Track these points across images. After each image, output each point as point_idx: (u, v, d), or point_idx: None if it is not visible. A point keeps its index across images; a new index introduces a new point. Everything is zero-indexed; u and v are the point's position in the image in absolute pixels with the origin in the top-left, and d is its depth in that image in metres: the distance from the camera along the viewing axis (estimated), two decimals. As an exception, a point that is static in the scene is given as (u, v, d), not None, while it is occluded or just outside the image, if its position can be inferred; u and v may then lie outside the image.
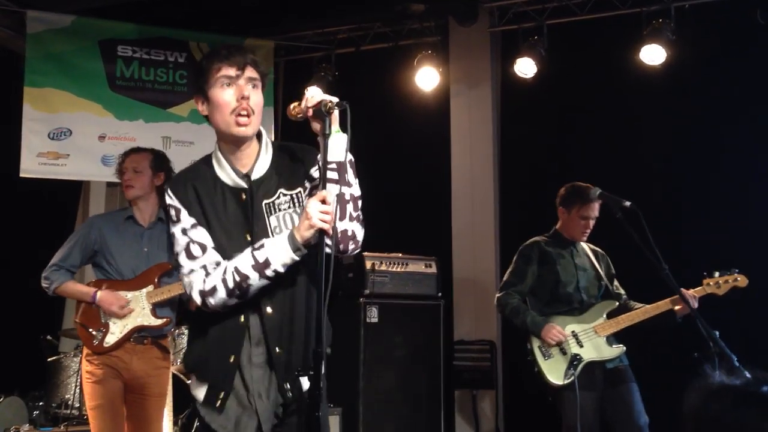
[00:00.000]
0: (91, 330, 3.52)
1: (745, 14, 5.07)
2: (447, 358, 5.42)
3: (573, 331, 3.79)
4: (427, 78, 5.83)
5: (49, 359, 5.06)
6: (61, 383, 4.95)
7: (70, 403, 4.82)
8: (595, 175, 4.34)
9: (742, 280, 3.71)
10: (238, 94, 2.17)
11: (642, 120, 5.43)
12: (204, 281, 2.14)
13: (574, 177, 4.11)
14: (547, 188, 4.23)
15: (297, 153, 2.28)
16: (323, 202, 2.06)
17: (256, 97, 2.20)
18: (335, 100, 2.11)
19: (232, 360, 2.17)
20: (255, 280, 2.10)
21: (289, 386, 2.17)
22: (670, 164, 5.33)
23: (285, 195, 2.23)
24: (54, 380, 4.98)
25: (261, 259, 2.09)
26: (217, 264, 2.16)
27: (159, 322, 3.55)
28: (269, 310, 2.18)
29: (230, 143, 2.23)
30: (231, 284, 2.11)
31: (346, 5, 6.06)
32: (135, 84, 5.90)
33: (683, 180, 5.26)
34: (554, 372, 3.74)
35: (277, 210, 2.22)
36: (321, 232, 2.05)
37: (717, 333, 3.08)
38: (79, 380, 4.62)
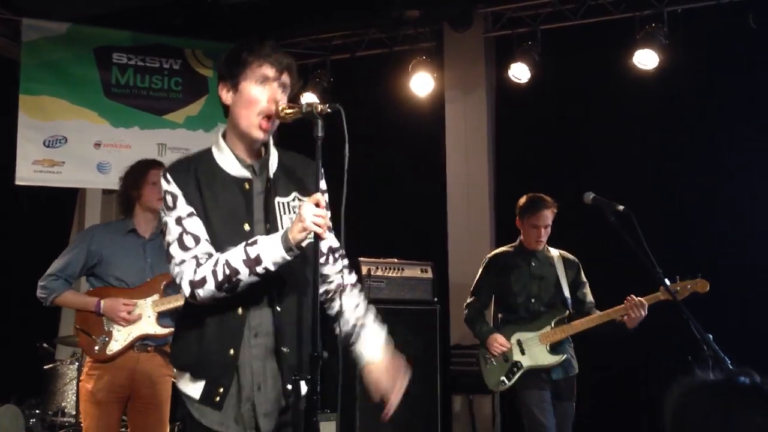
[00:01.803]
0: (93, 337, 3.45)
1: (738, 18, 5.10)
2: (443, 363, 5.41)
3: (518, 340, 4.03)
4: (422, 83, 5.84)
5: (45, 367, 5.06)
6: (58, 391, 4.94)
7: (66, 410, 4.82)
8: (589, 178, 4.36)
9: (702, 285, 3.71)
10: (271, 96, 2.18)
11: (635, 124, 5.45)
12: (195, 271, 2.10)
13: (569, 181, 4.14)
14: (542, 192, 4.24)
15: (306, 162, 2.29)
16: (317, 205, 2.05)
17: (282, 102, 2.21)
18: (325, 104, 2.11)
19: (231, 353, 2.14)
20: (245, 275, 2.07)
21: (291, 387, 2.17)
22: (663, 168, 5.35)
23: (300, 200, 2.23)
24: (50, 388, 4.98)
25: (252, 255, 2.06)
26: (209, 256, 2.13)
27: (164, 331, 3.50)
28: (278, 308, 2.17)
29: (241, 138, 2.23)
30: (220, 277, 2.08)
31: (342, 11, 6.07)
32: (130, 91, 5.90)
33: (677, 183, 5.28)
34: (491, 377, 4.08)
35: (292, 211, 2.22)
36: (315, 236, 2.05)
37: (710, 336, 3.09)
38: (76, 388, 4.62)
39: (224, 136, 2.26)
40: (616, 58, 5.35)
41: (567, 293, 4.11)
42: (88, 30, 5.84)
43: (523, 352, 4.01)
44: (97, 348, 3.45)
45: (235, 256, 2.08)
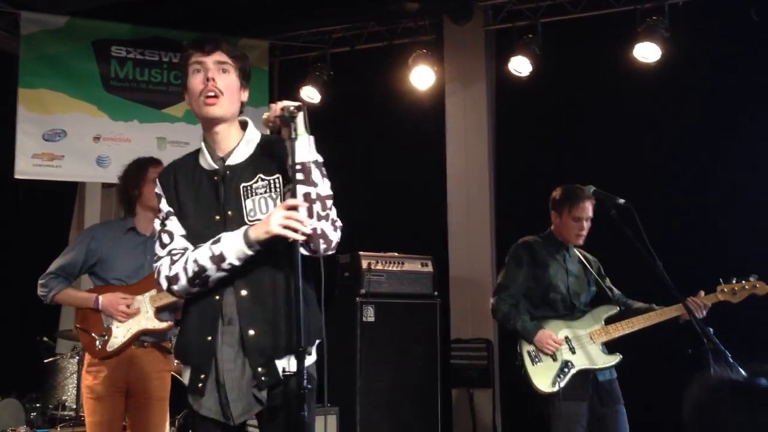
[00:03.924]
0: (93, 334, 3.47)
1: (739, 11, 5.08)
2: (444, 357, 5.42)
3: (566, 337, 3.67)
4: (421, 77, 5.83)
5: (45, 361, 5.06)
6: (58, 385, 4.95)
7: (67, 404, 4.82)
8: (590, 172, 4.34)
9: (761, 287, 3.49)
10: (204, 75, 2.25)
11: (636, 117, 5.44)
12: (170, 268, 2.23)
13: (569, 175, 4.10)
14: (542, 186, 4.22)
15: (279, 142, 2.32)
16: (292, 209, 2.11)
17: (225, 80, 2.27)
18: (294, 104, 2.20)
19: (209, 339, 2.21)
20: (212, 271, 2.18)
21: (262, 370, 2.17)
22: (665, 161, 5.33)
23: (263, 180, 2.28)
24: (51, 382, 4.98)
25: (217, 253, 2.17)
26: (183, 250, 2.25)
27: (163, 325, 3.52)
28: (243, 292, 2.22)
29: (207, 127, 2.31)
30: (191, 273, 2.20)
31: (341, 5, 6.06)
32: (129, 84, 5.89)
33: (679, 177, 5.27)
34: (542, 378, 3.59)
35: (254, 194, 2.27)
36: (293, 241, 2.09)
37: (711, 330, 3.08)
38: (77, 382, 4.63)
39: (203, 134, 2.35)
40: (617, 51, 5.33)
41: (608, 290, 3.82)
42: (86, 23, 5.82)
43: (573, 351, 3.62)
44: (98, 346, 3.47)
45: (203, 253, 2.19)
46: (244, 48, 5.90)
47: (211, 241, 2.20)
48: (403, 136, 6.13)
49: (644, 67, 5.25)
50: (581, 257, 3.91)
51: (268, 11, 6.04)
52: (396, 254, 5.36)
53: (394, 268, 5.30)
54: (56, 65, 5.72)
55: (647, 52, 5.20)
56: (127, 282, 3.55)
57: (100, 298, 3.48)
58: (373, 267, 5.21)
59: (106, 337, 3.47)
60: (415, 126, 6.11)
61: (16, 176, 5.52)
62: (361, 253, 5.21)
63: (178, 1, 5.93)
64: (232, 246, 2.16)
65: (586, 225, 3.75)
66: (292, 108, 2.19)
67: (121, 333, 3.48)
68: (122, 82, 5.88)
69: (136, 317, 3.50)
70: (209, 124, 2.28)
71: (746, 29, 5.09)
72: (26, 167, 5.55)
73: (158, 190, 2.35)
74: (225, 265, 2.16)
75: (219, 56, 2.26)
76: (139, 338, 3.52)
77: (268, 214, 2.16)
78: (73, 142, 5.70)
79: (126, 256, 3.56)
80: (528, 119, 5.84)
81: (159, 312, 3.53)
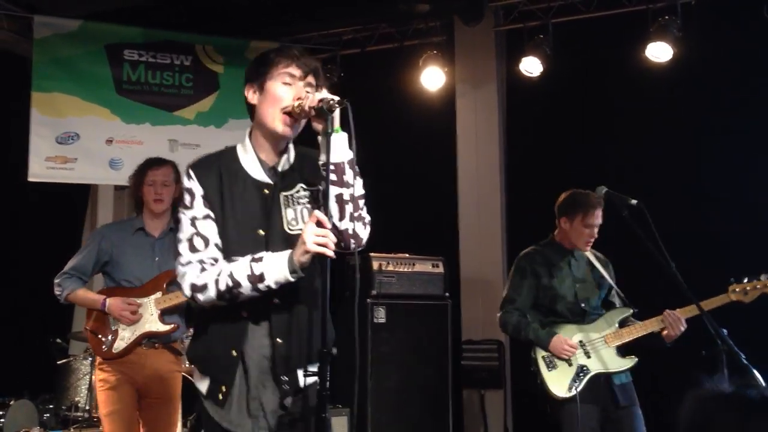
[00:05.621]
0: (100, 336, 3.55)
1: (752, 10, 5.05)
2: (455, 358, 5.41)
3: (580, 341, 3.64)
4: (432, 78, 5.83)
5: (59, 362, 5.09)
6: (71, 386, 4.98)
7: (80, 405, 4.85)
8: (601, 172, 4.33)
9: None
10: (296, 95, 2.18)
11: (648, 117, 5.41)
12: (198, 276, 2.13)
13: (581, 176, 4.08)
14: (553, 187, 4.20)
15: (316, 154, 2.27)
16: (319, 224, 2.04)
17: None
18: (336, 98, 2.10)
19: (234, 354, 2.16)
20: (247, 289, 2.09)
21: (286, 378, 2.16)
22: (676, 161, 5.30)
23: (306, 190, 2.22)
24: (64, 383, 5.01)
25: (257, 272, 2.07)
26: (215, 261, 2.15)
27: (167, 328, 3.57)
28: (276, 300, 2.16)
29: (266, 137, 2.23)
30: (222, 287, 2.10)
31: (351, 6, 6.06)
32: (141, 87, 5.92)
33: (691, 177, 5.24)
34: (558, 383, 3.58)
35: (296, 203, 2.21)
36: (324, 257, 2.03)
37: (725, 331, 3.06)
38: (89, 383, 4.65)
39: (251, 136, 2.26)
40: (629, 51, 5.31)
41: (619, 291, 3.77)
42: (99, 27, 5.86)
43: (588, 355, 3.61)
44: (104, 348, 3.54)
45: (240, 269, 2.10)
46: (254, 50, 5.93)
47: (251, 257, 2.10)
48: (413, 138, 6.13)
49: (656, 67, 5.22)
50: (591, 258, 3.85)
51: (279, 13, 6.05)
52: (407, 255, 5.36)
53: (405, 269, 5.29)
54: (69, 69, 5.76)
55: (659, 52, 5.17)
56: (136, 284, 3.59)
57: (107, 301, 3.54)
58: (384, 268, 5.21)
59: (113, 339, 3.53)
60: (426, 127, 6.10)
61: (30, 179, 5.57)
62: (371, 254, 5.21)
63: (190, 3, 5.96)
64: (275, 270, 2.06)
65: (596, 232, 3.74)
66: (331, 101, 2.07)
67: (126, 335, 3.55)
68: (134, 85, 5.91)
69: (141, 320, 3.55)
70: (273, 137, 2.21)
71: (759, 28, 5.06)
72: (40, 170, 5.59)
73: (192, 184, 2.17)
74: (262, 287, 2.07)
75: (312, 79, 2.21)
76: (150, 339, 3.55)
77: (301, 234, 2.06)
78: (86, 144, 5.74)
79: (133, 257, 3.61)
80: (539, 120, 5.83)
81: (163, 314, 3.57)
